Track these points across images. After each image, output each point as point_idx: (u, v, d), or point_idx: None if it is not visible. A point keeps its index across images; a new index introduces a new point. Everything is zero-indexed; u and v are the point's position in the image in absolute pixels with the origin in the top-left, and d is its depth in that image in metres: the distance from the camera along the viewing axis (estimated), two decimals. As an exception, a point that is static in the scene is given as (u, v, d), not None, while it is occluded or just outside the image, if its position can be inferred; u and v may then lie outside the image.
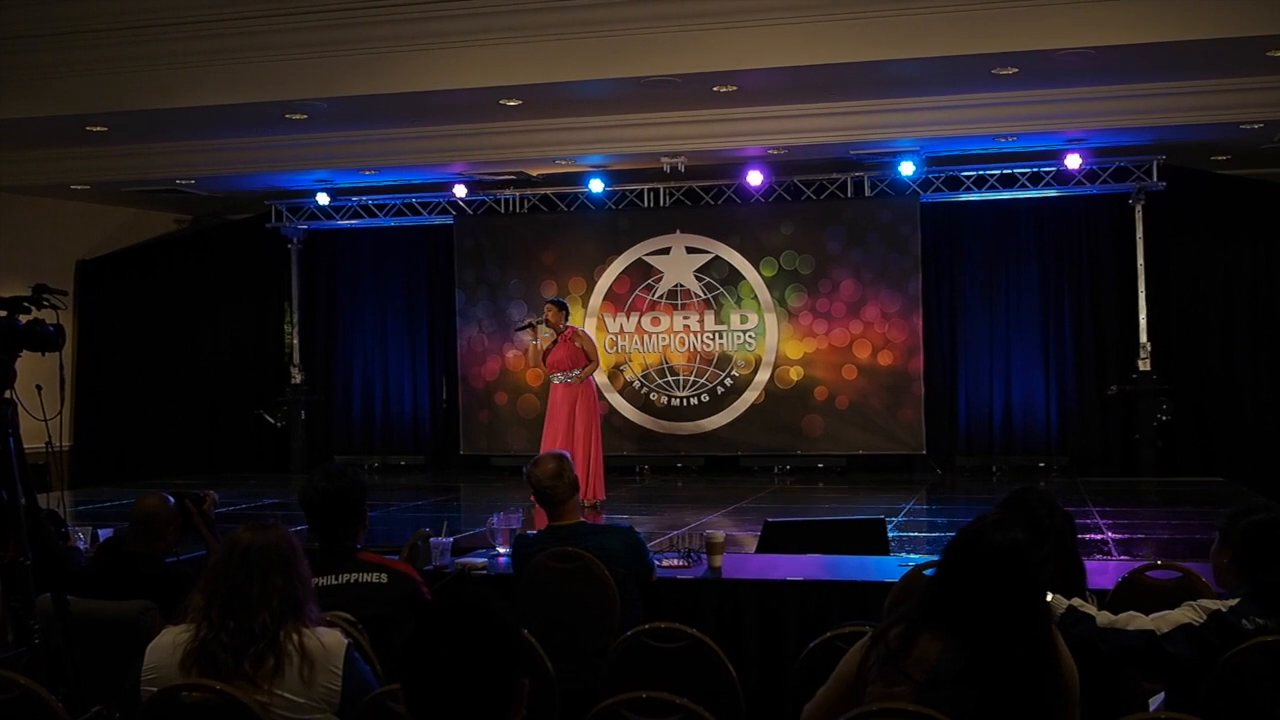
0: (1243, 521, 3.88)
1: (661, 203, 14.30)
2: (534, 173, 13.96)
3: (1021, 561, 3.06)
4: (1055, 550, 4.02)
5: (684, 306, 14.23)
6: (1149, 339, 13.00)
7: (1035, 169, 13.16)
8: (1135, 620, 3.75)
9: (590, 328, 13.74)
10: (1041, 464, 13.31)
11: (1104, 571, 5.31)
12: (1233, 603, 3.70)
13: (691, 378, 14.19)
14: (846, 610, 5.05)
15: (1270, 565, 3.77)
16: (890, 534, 7.30)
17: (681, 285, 14.22)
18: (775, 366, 13.96)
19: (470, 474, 14.42)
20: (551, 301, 11.23)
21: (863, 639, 3.18)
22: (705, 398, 14.15)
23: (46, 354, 4.49)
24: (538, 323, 10.92)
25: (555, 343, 10.75)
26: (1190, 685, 3.65)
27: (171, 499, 5.21)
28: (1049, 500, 4.13)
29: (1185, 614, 3.71)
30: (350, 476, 4.55)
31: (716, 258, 14.13)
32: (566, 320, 10.94)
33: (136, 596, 4.57)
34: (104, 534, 6.31)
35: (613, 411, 14.08)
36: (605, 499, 10.91)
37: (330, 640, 3.35)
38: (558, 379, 10.76)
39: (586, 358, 10.83)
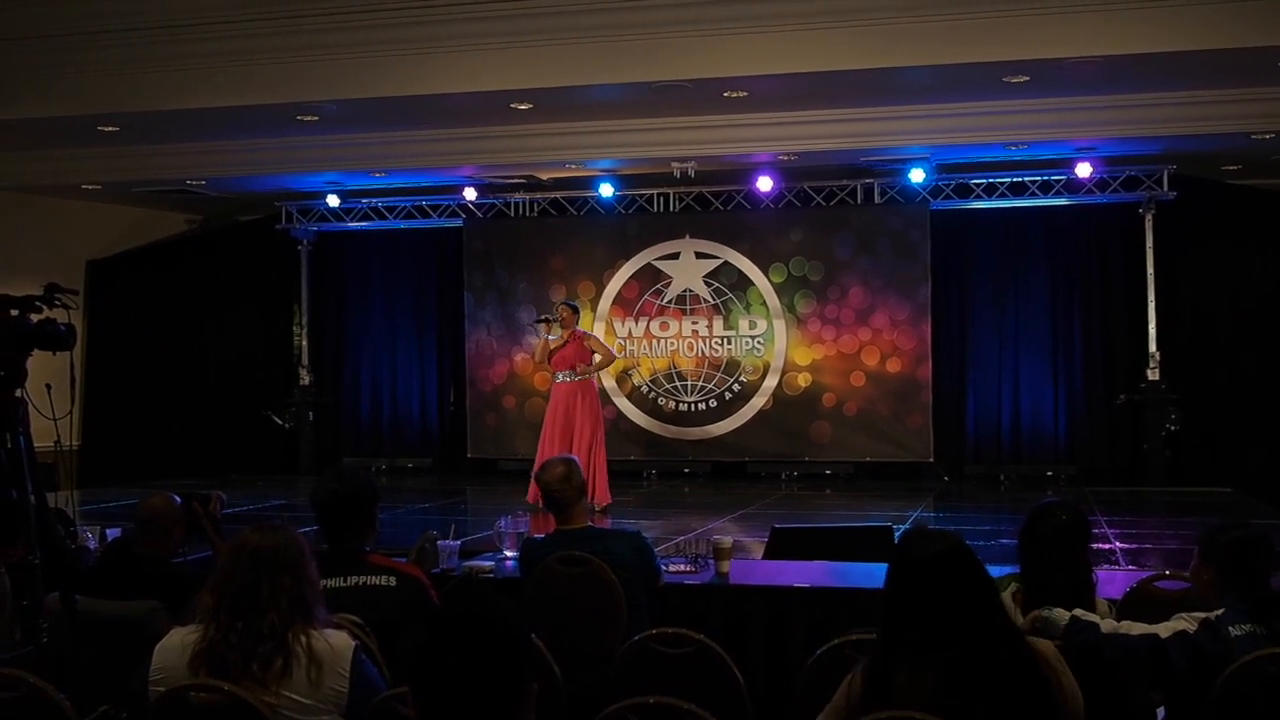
0: (1223, 539, 3.98)
1: (671, 208, 14.30)
2: (544, 176, 13.97)
3: (943, 569, 3.10)
4: (1059, 561, 4.03)
5: (693, 311, 14.23)
6: (1158, 348, 12.98)
7: (1045, 177, 13.15)
8: (1135, 629, 3.82)
9: (599, 332, 13.75)
10: (1049, 473, 13.29)
11: (1112, 581, 5.30)
12: (1219, 612, 3.79)
13: (699, 383, 14.19)
14: (854, 617, 5.04)
15: (1251, 579, 3.89)
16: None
17: (690, 290, 14.22)
18: (783, 372, 13.95)
19: (477, 477, 14.43)
20: (566, 303, 11.47)
21: (852, 674, 3.19)
22: (713, 403, 14.14)
23: (57, 353, 4.50)
24: (554, 320, 11.07)
25: (565, 342, 10.88)
26: (1186, 695, 3.71)
27: (177, 499, 5.21)
28: (1053, 515, 4.14)
29: (1180, 623, 3.81)
30: (362, 479, 4.56)
31: (725, 263, 14.13)
32: (577, 323, 11.20)
33: (143, 597, 4.57)
34: (112, 534, 6.32)
35: (620, 416, 14.08)
36: (610, 503, 10.92)
37: (338, 642, 3.36)
38: (561, 377, 10.90)
39: (593, 355, 11.09)
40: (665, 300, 14.28)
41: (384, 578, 4.32)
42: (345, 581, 4.25)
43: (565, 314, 11.07)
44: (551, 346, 10.97)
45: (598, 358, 11.24)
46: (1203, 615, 3.80)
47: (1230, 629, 3.72)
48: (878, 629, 3.18)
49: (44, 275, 4.91)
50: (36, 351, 4.47)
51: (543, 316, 11.43)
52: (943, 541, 3.15)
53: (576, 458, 5.67)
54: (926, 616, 3.04)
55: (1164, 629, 3.79)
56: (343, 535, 4.41)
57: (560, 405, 10.87)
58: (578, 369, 10.91)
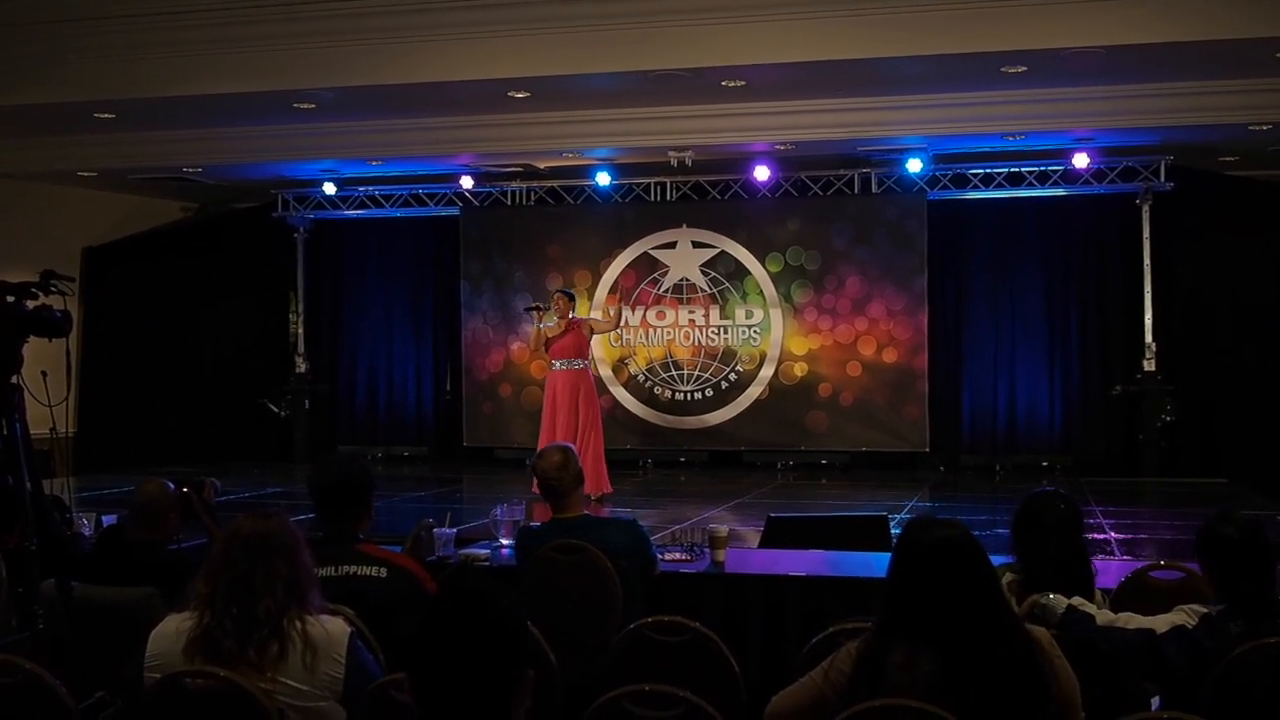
0: (1209, 534, 3.88)
1: (668, 197, 14.29)
2: (541, 165, 13.94)
3: (949, 555, 3.11)
4: (1059, 551, 4.04)
5: (689, 301, 14.22)
6: (1154, 339, 12.99)
7: (1042, 168, 13.14)
8: (1133, 621, 3.78)
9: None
10: (1045, 463, 13.30)
11: (1106, 571, 5.30)
12: (1221, 607, 3.73)
13: (696, 372, 14.19)
14: (849, 606, 5.05)
15: (1244, 577, 3.76)
16: (893, 531, 7.30)
17: (687, 279, 14.22)
18: (780, 362, 13.95)
19: (473, 465, 14.43)
20: (561, 291, 11.43)
21: (834, 656, 3.20)
22: (709, 392, 14.14)
23: (53, 340, 4.50)
24: (544, 309, 11.07)
25: (564, 332, 10.86)
26: (1183, 688, 3.67)
27: (171, 485, 5.21)
28: (1053, 505, 4.14)
29: (1179, 617, 3.76)
30: (357, 466, 4.56)
31: (722, 252, 14.12)
32: (573, 310, 11.17)
33: (139, 583, 4.57)
34: (108, 520, 6.32)
35: (616, 405, 14.07)
36: (610, 492, 10.93)
37: (334, 628, 3.36)
38: (559, 365, 10.87)
39: (589, 344, 11.24)
40: (662, 289, 14.27)
41: (374, 568, 4.29)
42: (336, 571, 4.22)
43: (561, 302, 11.06)
44: (549, 335, 10.94)
45: (605, 327, 11.89)
46: (1203, 610, 3.75)
47: (1231, 625, 3.66)
48: (877, 612, 3.18)
49: (40, 262, 4.91)
50: (32, 338, 4.47)
51: (534, 305, 11.39)
52: (947, 529, 3.17)
53: (573, 447, 5.66)
54: (927, 603, 3.06)
55: (1162, 622, 3.74)
56: (337, 522, 4.41)
57: (559, 394, 10.83)
58: (575, 360, 10.90)
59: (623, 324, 13.66)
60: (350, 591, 4.13)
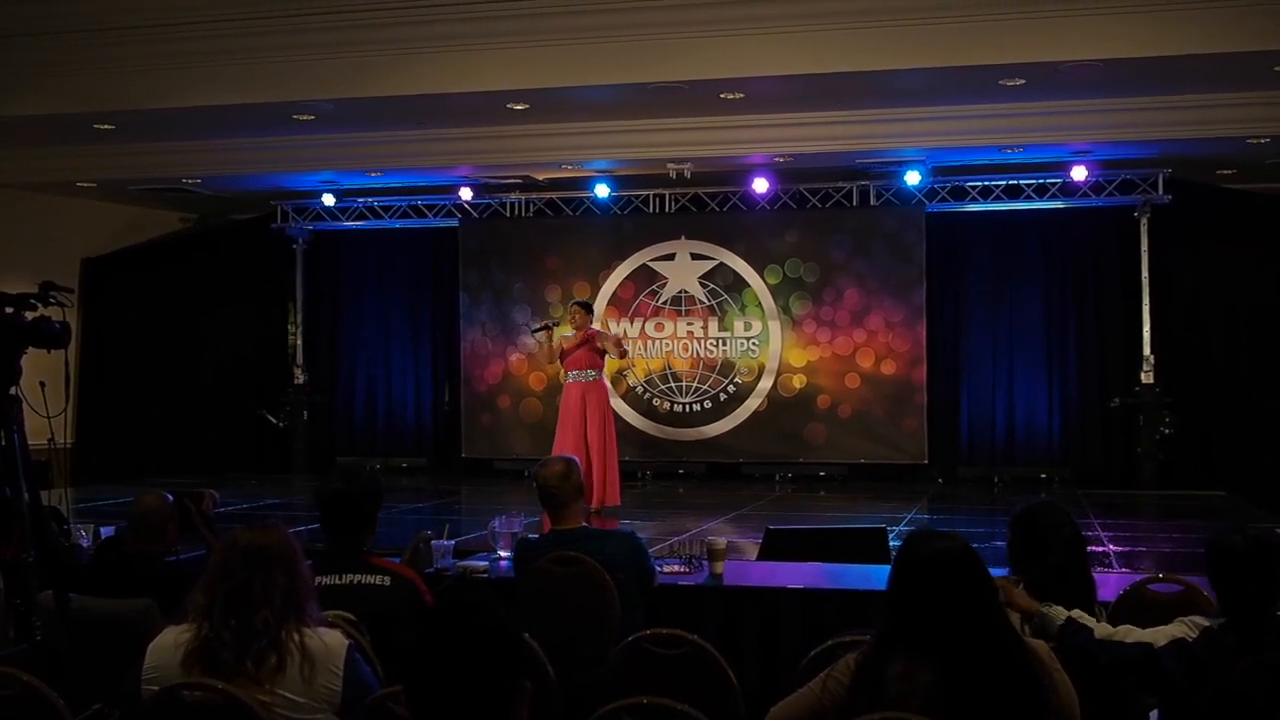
0: (1211, 547, 3.84)
1: (667, 208, 14.30)
2: (540, 177, 13.96)
3: (948, 567, 3.13)
4: (1061, 564, 4.04)
5: (688, 312, 14.22)
6: (1152, 352, 13.00)
7: (1041, 180, 13.16)
8: (1132, 634, 3.77)
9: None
10: (1043, 475, 13.29)
11: (1105, 584, 5.29)
12: (1220, 621, 3.72)
13: (694, 384, 14.19)
14: (848, 619, 5.05)
15: (1240, 589, 3.73)
16: (892, 544, 7.29)
17: (686, 291, 14.22)
18: (778, 374, 13.95)
19: (471, 477, 14.41)
20: (578, 303, 11.41)
21: (833, 667, 3.20)
22: (708, 404, 14.14)
23: (52, 351, 4.50)
24: (554, 325, 11.05)
25: (580, 344, 10.85)
26: (1182, 701, 3.66)
27: (170, 497, 5.21)
28: (1055, 518, 4.14)
29: (1179, 629, 3.74)
30: (366, 480, 4.56)
31: (721, 264, 14.13)
32: (590, 321, 11.16)
33: (137, 595, 4.57)
34: (106, 532, 6.31)
35: (615, 416, 14.03)
36: (620, 504, 10.90)
37: (331, 640, 3.35)
38: (572, 377, 10.84)
39: (604, 357, 11.05)
40: (661, 301, 14.27)
41: (379, 577, 4.33)
42: (341, 579, 4.27)
43: (579, 315, 11.01)
44: (564, 346, 10.91)
45: (614, 353, 11.26)
46: (1204, 623, 3.73)
47: (1231, 639, 3.65)
48: (877, 623, 3.19)
49: (39, 273, 4.92)
50: (31, 349, 4.47)
51: (543, 325, 11.35)
52: (947, 541, 3.18)
53: (576, 458, 5.66)
54: (927, 614, 3.06)
55: (1162, 635, 3.73)
56: (342, 533, 4.43)
57: (572, 405, 10.80)
58: (588, 371, 10.85)
59: (623, 337, 13.58)
60: (355, 599, 4.16)
